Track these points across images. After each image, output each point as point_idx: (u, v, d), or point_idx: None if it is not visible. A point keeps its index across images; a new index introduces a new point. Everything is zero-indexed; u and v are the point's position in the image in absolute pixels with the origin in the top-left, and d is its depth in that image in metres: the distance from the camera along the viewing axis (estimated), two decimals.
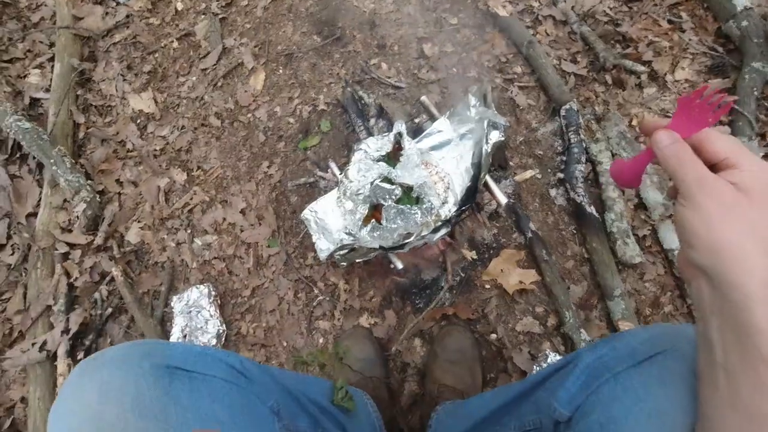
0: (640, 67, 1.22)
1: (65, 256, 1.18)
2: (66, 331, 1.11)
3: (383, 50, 1.32)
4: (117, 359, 0.47)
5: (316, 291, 1.14)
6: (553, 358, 1.00)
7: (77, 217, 1.18)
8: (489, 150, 0.95)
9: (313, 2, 1.40)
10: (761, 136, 1.15)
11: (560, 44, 1.29)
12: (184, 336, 1.07)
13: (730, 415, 0.36)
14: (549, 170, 1.18)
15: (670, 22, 1.27)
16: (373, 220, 0.95)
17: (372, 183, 0.93)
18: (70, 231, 1.19)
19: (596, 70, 1.25)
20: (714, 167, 0.38)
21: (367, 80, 1.29)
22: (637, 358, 0.49)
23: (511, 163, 1.19)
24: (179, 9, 1.41)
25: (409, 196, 0.96)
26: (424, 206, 0.94)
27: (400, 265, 1.02)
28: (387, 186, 0.92)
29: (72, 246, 1.18)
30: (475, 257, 1.11)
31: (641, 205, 1.12)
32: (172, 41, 1.37)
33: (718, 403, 0.37)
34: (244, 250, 1.19)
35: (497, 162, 1.17)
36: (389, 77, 1.28)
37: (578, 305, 1.06)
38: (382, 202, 0.92)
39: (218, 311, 1.12)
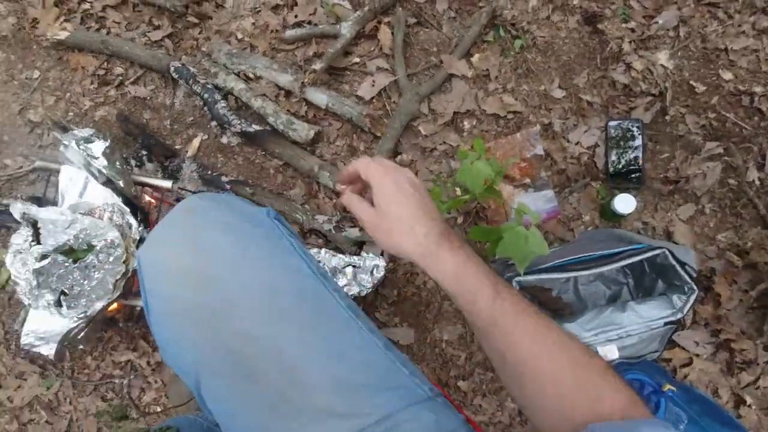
0: None
1: None
2: None
3: None
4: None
5: (117, 380, 1.10)
6: None
7: None
8: (106, 162, 0.95)
9: None
10: None
11: (135, 22, 1.28)
12: None
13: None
14: (208, 126, 1.21)
15: None
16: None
17: (33, 270, 0.89)
18: None
19: (178, 20, 1.27)
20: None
21: (4, 186, 1.20)
22: None
23: (177, 146, 1.20)
24: None
25: (80, 250, 0.94)
26: (98, 246, 0.93)
27: (141, 304, 1.01)
28: (44, 262, 0.89)
29: None
30: None
31: (287, 93, 1.20)
32: None
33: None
34: (29, 412, 1.10)
35: (162, 154, 1.18)
36: (20, 167, 1.20)
37: (305, 201, 1.15)
38: (59, 276, 0.90)
39: None
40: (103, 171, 0.95)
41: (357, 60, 1.23)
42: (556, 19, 1.24)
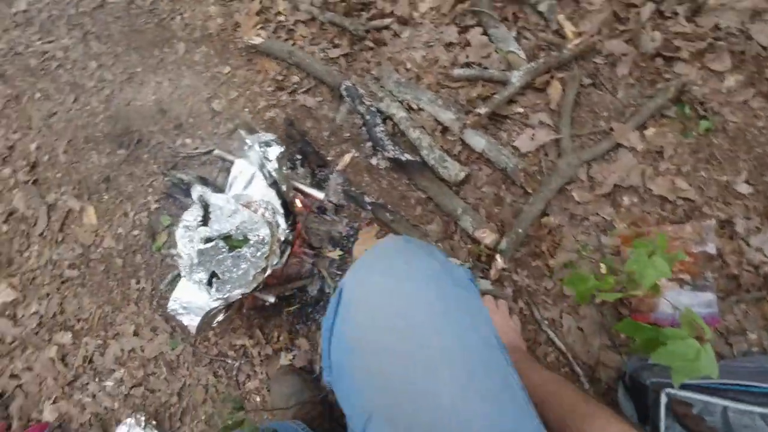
0: (386, 20, 1.33)
1: None
2: None
3: (181, 128, 1.39)
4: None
5: (230, 361, 1.18)
6: None
7: None
8: (277, 166, 1.03)
9: (104, 122, 1.46)
10: (505, 19, 1.27)
11: (318, 38, 1.39)
12: None
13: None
14: (361, 145, 1.27)
15: None
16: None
17: (197, 250, 0.99)
18: None
19: (357, 42, 1.35)
20: None
21: (180, 161, 1.36)
22: None
23: (329, 158, 1.28)
24: None
25: (237, 240, 1.02)
26: (252, 241, 1.01)
27: (271, 299, 1.08)
28: (209, 245, 0.98)
29: None
30: (341, 252, 1.18)
31: (445, 129, 1.21)
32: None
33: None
34: (154, 365, 1.22)
35: (315, 162, 1.25)
36: (196, 148, 1.35)
37: (439, 239, 1.14)
38: (216, 260, 0.99)
39: (156, 430, 1.15)
40: (273, 173, 1.03)
41: (520, 110, 1.21)
42: (756, 105, 1.11)
